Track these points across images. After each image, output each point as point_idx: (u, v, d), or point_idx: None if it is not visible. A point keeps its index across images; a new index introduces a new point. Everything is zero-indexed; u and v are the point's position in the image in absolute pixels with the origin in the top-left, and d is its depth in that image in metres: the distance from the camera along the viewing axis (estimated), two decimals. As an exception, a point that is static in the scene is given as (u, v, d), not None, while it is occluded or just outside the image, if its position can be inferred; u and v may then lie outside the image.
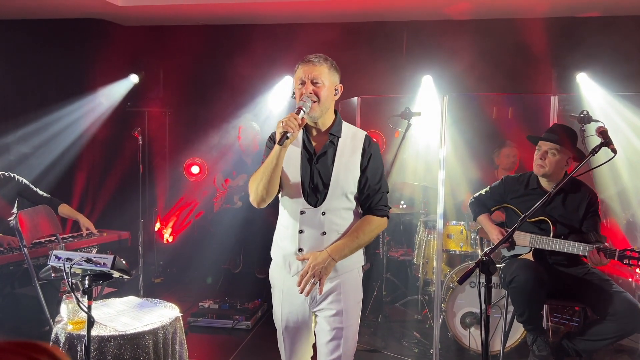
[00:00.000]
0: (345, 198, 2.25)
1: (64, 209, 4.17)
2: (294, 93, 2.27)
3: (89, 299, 2.22)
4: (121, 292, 3.99)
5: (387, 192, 2.34)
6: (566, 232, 3.18)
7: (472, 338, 3.87)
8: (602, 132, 2.75)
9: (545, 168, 3.20)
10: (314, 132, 2.30)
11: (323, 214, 2.23)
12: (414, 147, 5.13)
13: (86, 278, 2.25)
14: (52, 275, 2.56)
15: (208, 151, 6.04)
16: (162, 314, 2.79)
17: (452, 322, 3.95)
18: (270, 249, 2.43)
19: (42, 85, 5.80)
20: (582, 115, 3.47)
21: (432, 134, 4.51)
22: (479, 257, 2.14)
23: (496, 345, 3.73)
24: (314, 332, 2.39)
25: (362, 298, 2.39)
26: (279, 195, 2.32)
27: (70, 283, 2.22)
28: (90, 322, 2.22)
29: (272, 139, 2.32)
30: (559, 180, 3.16)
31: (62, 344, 2.53)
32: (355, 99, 4.78)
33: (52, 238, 4.03)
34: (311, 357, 2.46)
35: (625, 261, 2.86)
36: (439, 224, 3.79)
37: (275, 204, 2.35)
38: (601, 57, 4.94)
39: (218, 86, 6.01)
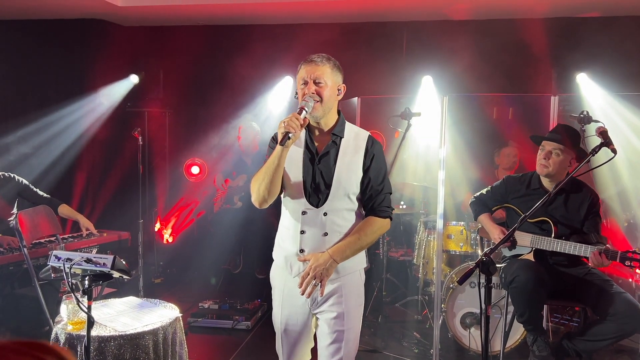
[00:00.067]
0: (348, 199, 2.23)
1: (64, 209, 4.17)
2: (296, 93, 2.26)
3: (89, 299, 2.22)
4: (121, 293, 3.98)
5: (390, 194, 2.32)
6: (567, 233, 3.17)
7: (472, 338, 3.87)
8: (602, 133, 2.75)
9: (549, 168, 3.20)
10: (317, 132, 2.28)
11: (325, 214, 2.21)
12: (414, 148, 5.13)
13: (86, 278, 2.25)
14: (52, 275, 2.55)
15: (208, 151, 6.04)
16: (162, 314, 2.79)
17: (452, 322, 3.95)
18: (270, 249, 2.42)
19: (42, 85, 5.80)
20: (582, 115, 3.48)
21: (432, 134, 4.51)
22: (479, 258, 2.14)
23: (496, 346, 3.73)
24: (314, 335, 2.37)
25: (364, 300, 2.36)
26: (282, 195, 2.31)
27: (70, 283, 2.22)
28: (90, 323, 2.22)
29: (274, 139, 2.30)
30: (560, 181, 3.16)
31: (62, 344, 2.53)
32: (355, 99, 4.77)
33: (52, 238, 4.03)
34: None
35: (627, 263, 2.85)
36: (439, 224, 3.79)
37: (276, 204, 2.33)
38: (601, 57, 4.94)
39: (218, 86, 6.01)
